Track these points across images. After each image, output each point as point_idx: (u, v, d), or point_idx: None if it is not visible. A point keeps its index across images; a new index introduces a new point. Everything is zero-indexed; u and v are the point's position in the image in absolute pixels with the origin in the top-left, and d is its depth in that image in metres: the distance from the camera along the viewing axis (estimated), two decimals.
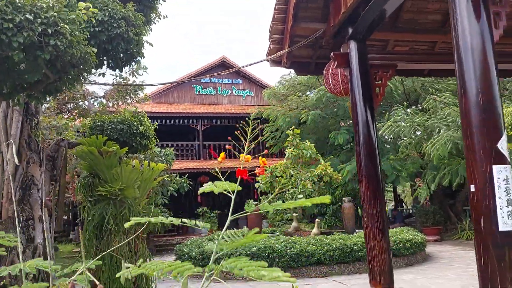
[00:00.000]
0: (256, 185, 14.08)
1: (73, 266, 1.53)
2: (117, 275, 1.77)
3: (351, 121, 19.51)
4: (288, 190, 13.36)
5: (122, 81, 10.50)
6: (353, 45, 4.29)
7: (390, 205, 25.95)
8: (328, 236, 11.01)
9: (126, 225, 1.40)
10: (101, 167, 6.71)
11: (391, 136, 16.21)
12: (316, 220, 12.55)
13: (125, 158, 9.06)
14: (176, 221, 1.63)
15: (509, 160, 2.46)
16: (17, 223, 4.60)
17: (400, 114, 15.53)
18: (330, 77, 4.68)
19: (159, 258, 13.96)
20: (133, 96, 11.83)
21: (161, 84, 14.92)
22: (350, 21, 4.25)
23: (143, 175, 7.05)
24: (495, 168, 2.43)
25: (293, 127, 14.88)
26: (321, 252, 9.83)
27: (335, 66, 4.36)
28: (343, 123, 19.71)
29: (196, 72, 23.29)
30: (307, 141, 14.01)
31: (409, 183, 17.75)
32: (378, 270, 4.00)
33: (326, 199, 1.33)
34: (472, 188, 2.52)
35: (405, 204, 29.05)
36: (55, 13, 3.52)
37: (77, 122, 8.70)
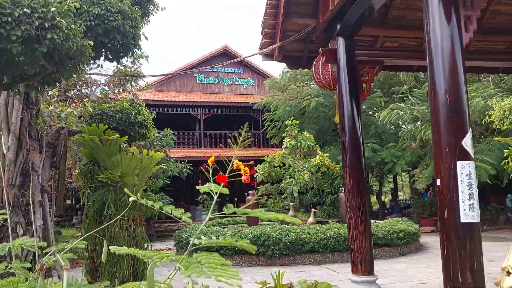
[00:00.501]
0: (255, 174, 14.28)
1: (59, 245, 1.72)
2: (102, 257, 1.96)
3: None
4: (285, 180, 13.56)
5: (123, 69, 10.65)
6: (341, 41, 4.42)
7: (390, 196, 26.17)
8: (323, 225, 11.25)
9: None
10: (102, 155, 6.91)
11: (392, 124, 16.25)
12: (312, 209, 12.78)
13: (125, 145, 9.27)
14: (168, 209, 1.79)
15: (472, 156, 2.62)
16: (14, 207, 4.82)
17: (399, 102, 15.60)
18: (319, 70, 4.82)
19: (160, 243, 14.27)
20: (134, 84, 11.98)
21: (164, 75, 15.03)
22: (338, 18, 4.37)
23: (142, 163, 7.26)
24: (459, 164, 2.59)
25: (291, 118, 15.01)
26: (315, 240, 10.07)
27: (323, 61, 4.50)
28: None
29: (198, 61, 23.36)
30: (305, 132, 14.14)
31: (405, 171, 17.86)
32: (359, 258, 4.20)
33: (298, 220, 1.50)
34: (438, 182, 2.68)
35: (405, 195, 29.30)
36: (54, 8, 3.67)
37: (79, 108, 8.89)
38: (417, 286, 7.19)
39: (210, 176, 1.74)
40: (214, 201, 1.76)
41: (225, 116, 22.59)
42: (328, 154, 14.76)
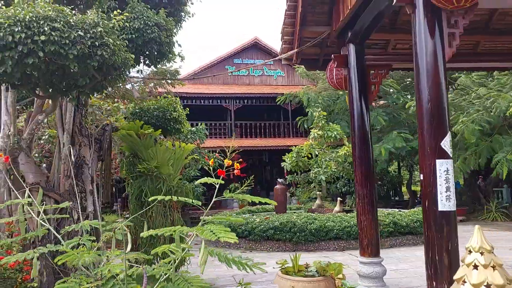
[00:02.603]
0: (282, 164, 14.85)
1: (113, 225, 2.40)
2: (142, 234, 2.63)
3: (382, 102, 19.62)
4: (312, 170, 14.06)
5: (160, 68, 11.47)
6: (351, 48, 4.89)
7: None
8: (348, 214, 11.71)
9: (151, 198, 2.25)
10: (139, 148, 7.73)
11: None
12: (338, 198, 13.22)
13: (161, 138, 10.11)
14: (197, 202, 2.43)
15: (450, 155, 3.09)
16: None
17: None
18: (332, 73, 5.32)
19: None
20: (170, 81, 12.81)
21: (204, 77, 15.78)
22: (348, 26, 4.84)
23: (175, 154, 8.04)
24: (438, 161, 3.07)
25: (319, 109, 15.38)
26: (339, 228, 10.58)
27: (335, 66, 4.99)
28: (374, 104, 19.81)
29: (229, 53, 24.01)
30: (331, 123, 14.51)
31: None
32: (366, 242, 4.73)
33: (274, 202, 2.09)
34: (421, 177, 3.18)
35: None
36: (101, 29, 4.37)
37: (122, 107, 9.80)
38: None
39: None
40: (216, 190, 2.38)
41: (255, 107, 23.18)
42: None
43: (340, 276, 4.90)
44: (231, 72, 21.09)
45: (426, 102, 3.15)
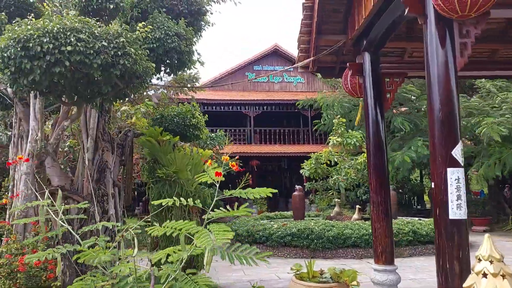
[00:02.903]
0: (301, 171, 14.87)
1: (127, 225, 2.53)
2: (148, 230, 2.75)
3: (404, 108, 19.36)
4: (332, 177, 14.02)
5: (181, 74, 11.74)
6: (366, 56, 4.95)
7: None
8: (366, 222, 11.62)
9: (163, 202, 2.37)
10: (159, 153, 7.95)
11: None
12: (357, 206, 13.14)
13: (181, 144, 10.34)
14: (216, 213, 2.54)
15: (461, 164, 3.11)
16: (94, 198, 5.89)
17: None
18: (348, 80, 5.39)
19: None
20: (190, 86, 13.08)
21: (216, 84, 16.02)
22: (364, 35, 4.90)
23: (193, 160, 8.22)
24: (449, 170, 3.09)
25: (338, 116, 15.36)
26: (357, 235, 10.51)
27: (350, 74, 5.05)
28: (395, 110, 19.59)
29: (249, 60, 24.27)
30: (349, 130, 14.45)
31: None
32: (380, 250, 4.74)
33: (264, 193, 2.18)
34: (433, 185, 3.20)
35: None
36: (124, 39, 4.58)
37: (143, 109, 10.08)
38: None
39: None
40: (217, 188, 2.48)
41: (274, 113, 23.30)
42: None
43: (354, 283, 4.92)
44: (251, 79, 21.28)
45: (437, 111, 3.18)
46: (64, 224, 2.46)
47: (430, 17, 3.29)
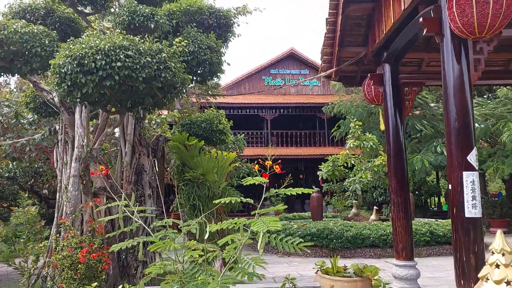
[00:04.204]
0: (319, 173, 15.22)
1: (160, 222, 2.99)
2: (210, 228, 3.20)
3: (418, 112, 19.54)
4: (348, 179, 14.35)
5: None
6: (387, 68, 5.33)
7: None
8: (384, 223, 11.94)
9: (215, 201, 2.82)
10: (187, 157, 8.44)
11: None
12: (374, 207, 13.45)
13: (208, 149, 10.83)
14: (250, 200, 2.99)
15: (476, 168, 3.48)
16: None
17: None
18: (369, 88, 5.78)
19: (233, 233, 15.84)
20: (211, 92, 13.60)
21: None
22: (384, 48, 5.29)
23: (219, 163, 8.69)
24: (465, 173, 3.47)
25: (355, 119, 15.66)
26: (376, 236, 10.85)
27: (371, 83, 5.44)
28: (411, 113, 19.77)
29: (265, 64, 24.73)
30: (367, 133, 14.76)
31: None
32: (401, 247, 5.12)
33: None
34: (449, 186, 3.58)
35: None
36: (165, 54, 5.07)
37: (169, 118, 10.63)
38: None
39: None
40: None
41: (291, 116, 23.69)
42: None
43: (376, 277, 5.30)
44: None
45: (453, 121, 3.56)
46: (138, 220, 2.92)
47: (447, 36, 3.67)
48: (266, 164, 3.10)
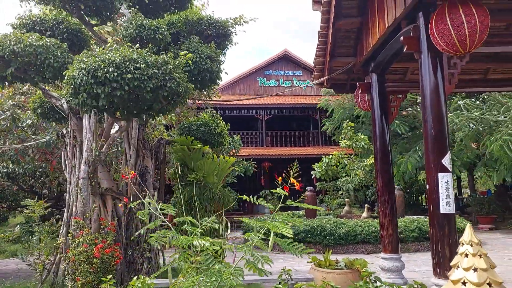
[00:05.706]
0: (312, 172, 15.72)
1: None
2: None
3: (405, 112, 20.12)
4: (341, 178, 14.85)
5: None
6: (374, 77, 5.81)
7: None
8: (375, 220, 12.45)
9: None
10: (189, 160, 8.88)
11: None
12: (366, 205, 13.96)
13: (208, 152, 11.27)
14: (250, 199, 3.44)
15: (450, 170, 3.96)
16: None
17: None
18: (358, 96, 6.25)
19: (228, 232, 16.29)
20: (206, 93, 13.97)
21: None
22: (371, 59, 5.76)
23: (220, 166, 9.14)
24: (440, 175, 3.95)
25: (347, 120, 16.19)
26: (367, 232, 11.35)
27: (360, 92, 5.92)
28: (398, 114, 20.37)
29: (260, 65, 25.16)
30: (359, 134, 15.27)
31: (464, 172, 18.18)
32: (387, 241, 5.60)
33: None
34: (427, 186, 4.06)
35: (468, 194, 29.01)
36: (170, 66, 5.50)
37: (163, 121, 11.03)
38: None
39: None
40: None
41: (285, 117, 24.17)
42: None
43: (365, 269, 5.78)
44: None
45: (430, 128, 4.04)
46: (161, 217, 3.36)
47: (424, 53, 4.15)
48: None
